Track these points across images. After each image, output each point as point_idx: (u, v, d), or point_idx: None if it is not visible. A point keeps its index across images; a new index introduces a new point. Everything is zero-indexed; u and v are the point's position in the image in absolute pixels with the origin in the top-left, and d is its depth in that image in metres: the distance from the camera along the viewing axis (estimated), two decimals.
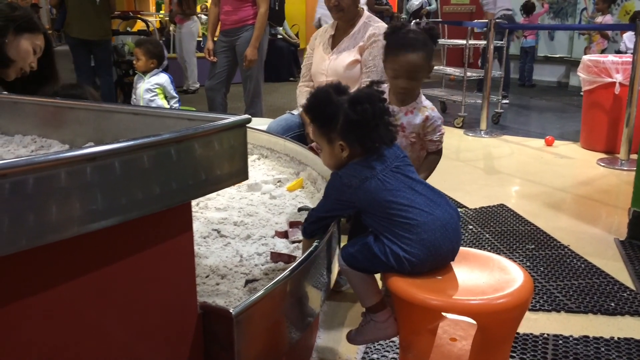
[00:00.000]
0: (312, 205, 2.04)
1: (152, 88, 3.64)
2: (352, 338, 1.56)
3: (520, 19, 8.61)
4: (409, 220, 1.37)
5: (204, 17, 8.87)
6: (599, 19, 7.38)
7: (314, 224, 1.51)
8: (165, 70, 3.88)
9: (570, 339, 1.90)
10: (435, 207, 1.41)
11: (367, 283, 1.49)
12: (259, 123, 3.09)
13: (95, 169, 0.84)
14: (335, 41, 2.62)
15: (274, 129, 2.71)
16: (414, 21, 6.90)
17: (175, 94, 3.72)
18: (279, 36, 8.95)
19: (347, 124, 1.42)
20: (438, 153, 1.98)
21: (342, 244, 1.63)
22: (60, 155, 0.81)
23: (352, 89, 1.51)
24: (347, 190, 1.43)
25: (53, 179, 0.80)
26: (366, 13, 2.62)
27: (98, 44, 5.27)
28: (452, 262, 1.45)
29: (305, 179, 2.28)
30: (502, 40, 5.92)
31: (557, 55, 8.74)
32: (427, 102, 1.96)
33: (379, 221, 1.41)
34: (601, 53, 7.04)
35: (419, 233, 1.37)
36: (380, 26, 2.54)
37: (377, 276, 1.49)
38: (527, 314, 2.04)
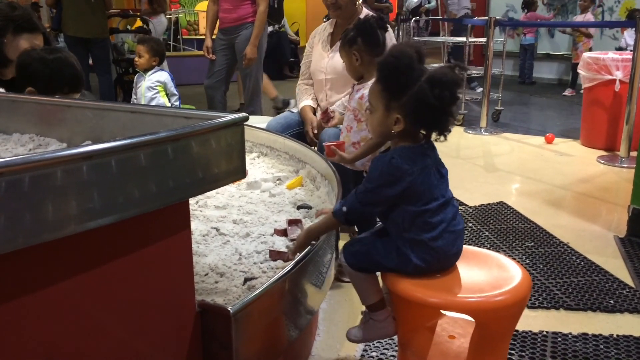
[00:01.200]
0: (311, 203, 2.04)
1: (153, 86, 3.62)
2: (351, 336, 1.56)
3: (520, 16, 8.60)
4: (439, 223, 1.34)
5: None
6: (579, 18, 7.35)
7: (355, 213, 1.39)
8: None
9: (569, 336, 1.90)
10: (457, 214, 1.40)
11: (368, 282, 1.48)
12: (259, 121, 3.09)
13: (92, 167, 0.85)
14: (334, 39, 2.62)
15: (273, 127, 2.71)
16: (413, 19, 6.89)
17: (175, 92, 3.71)
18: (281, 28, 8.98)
19: (417, 102, 1.30)
20: None
21: (341, 242, 1.63)
22: (57, 154, 0.81)
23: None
24: (406, 178, 1.31)
25: (50, 177, 0.80)
26: (365, 10, 2.62)
27: (95, 43, 5.26)
28: None
29: (304, 177, 2.28)
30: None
31: (558, 53, 8.73)
32: None
33: (408, 217, 1.35)
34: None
35: (436, 240, 1.35)
36: None
37: (378, 274, 1.49)
38: (526, 312, 2.05)
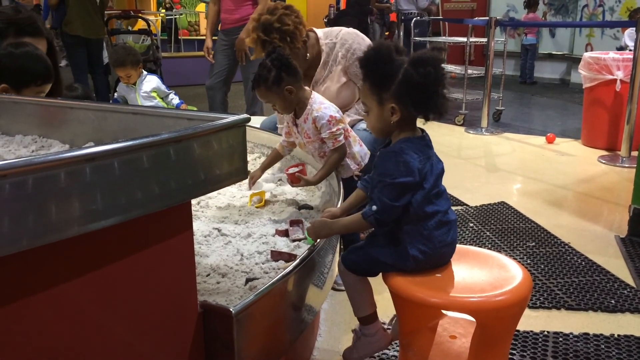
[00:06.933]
0: (313, 203, 2.04)
1: (148, 95, 3.55)
2: (346, 357, 1.57)
3: (521, 16, 8.60)
4: (435, 212, 1.36)
5: None
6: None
7: (387, 214, 1.36)
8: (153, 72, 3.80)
9: (571, 336, 1.91)
10: (450, 205, 1.43)
11: (365, 292, 1.50)
12: (260, 122, 3.08)
13: (94, 169, 0.85)
14: (308, 80, 2.46)
15: (266, 126, 2.71)
16: (414, 19, 6.89)
17: (168, 90, 3.65)
18: None
19: (405, 85, 1.33)
20: (336, 151, 1.95)
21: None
22: (60, 156, 0.82)
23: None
24: (416, 165, 1.33)
25: (53, 179, 0.80)
26: (318, 32, 2.47)
27: (95, 42, 5.29)
28: (451, 260, 1.46)
29: None
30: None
31: (559, 52, 8.73)
32: (317, 104, 1.96)
33: (412, 207, 1.36)
34: None
35: (433, 230, 1.36)
36: (349, 38, 2.43)
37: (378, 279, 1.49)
38: (528, 312, 2.05)
